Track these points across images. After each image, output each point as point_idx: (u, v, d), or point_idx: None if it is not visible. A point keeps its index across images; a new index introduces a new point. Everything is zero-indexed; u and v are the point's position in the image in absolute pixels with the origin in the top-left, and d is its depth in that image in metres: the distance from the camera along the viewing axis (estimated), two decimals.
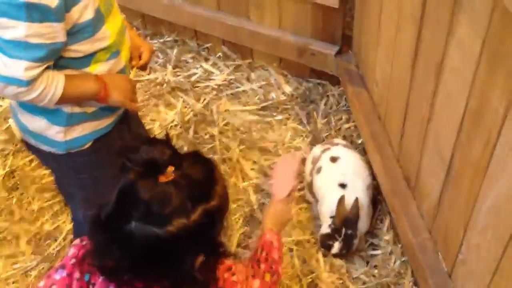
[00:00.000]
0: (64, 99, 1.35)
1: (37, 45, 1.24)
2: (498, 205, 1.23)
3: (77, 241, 1.13)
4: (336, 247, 1.85)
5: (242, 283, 1.21)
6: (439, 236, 1.62)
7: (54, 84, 1.32)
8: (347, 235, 1.83)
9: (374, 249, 1.99)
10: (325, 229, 1.88)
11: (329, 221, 1.87)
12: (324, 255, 1.94)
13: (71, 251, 1.11)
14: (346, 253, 1.89)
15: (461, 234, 1.44)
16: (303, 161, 2.09)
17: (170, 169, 0.95)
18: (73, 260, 1.09)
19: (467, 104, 1.30)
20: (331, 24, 2.26)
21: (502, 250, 1.25)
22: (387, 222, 2.01)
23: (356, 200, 1.82)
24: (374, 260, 1.95)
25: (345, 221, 1.83)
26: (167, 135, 1.03)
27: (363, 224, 1.88)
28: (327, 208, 1.89)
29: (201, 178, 0.98)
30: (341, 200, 1.84)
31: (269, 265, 1.29)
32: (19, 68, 1.24)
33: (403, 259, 1.90)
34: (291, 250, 1.98)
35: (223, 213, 1.04)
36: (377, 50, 1.90)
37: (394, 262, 1.90)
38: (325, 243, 1.88)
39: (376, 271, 1.92)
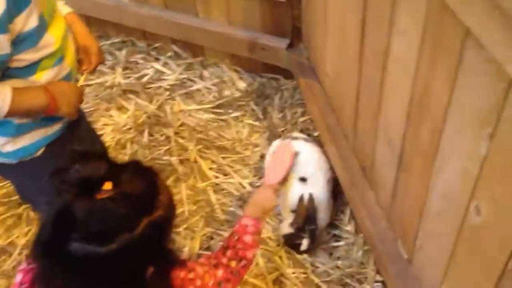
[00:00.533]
0: (11, 113, 1.31)
1: None
2: (448, 191, 1.25)
3: (23, 265, 1.09)
4: (305, 244, 1.86)
5: (202, 277, 1.19)
6: (397, 224, 1.64)
7: (1, 98, 1.28)
8: (311, 230, 1.85)
9: (336, 241, 2.00)
10: (287, 228, 1.89)
11: (291, 216, 1.87)
12: (288, 252, 1.94)
13: (18, 277, 1.07)
14: (311, 248, 1.90)
15: (417, 221, 1.45)
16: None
17: (107, 185, 0.92)
18: (23, 286, 1.05)
19: (412, 94, 1.30)
20: (280, 18, 2.25)
21: (455, 234, 1.26)
22: (348, 213, 2.02)
23: (310, 195, 1.83)
24: (337, 252, 1.96)
25: (307, 217, 1.83)
26: (102, 145, 1.00)
27: (323, 218, 1.89)
28: (288, 203, 1.89)
29: (142, 190, 0.96)
30: (301, 199, 1.84)
31: (235, 251, 1.27)
32: None
33: (365, 248, 1.91)
34: None
35: (170, 222, 1.01)
36: (326, 42, 1.89)
37: (357, 252, 1.92)
38: (292, 243, 1.89)
39: (339, 262, 1.93)
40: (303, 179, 1.90)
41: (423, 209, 1.40)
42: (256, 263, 1.93)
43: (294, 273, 1.91)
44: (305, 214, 1.83)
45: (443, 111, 1.18)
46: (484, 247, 1.16)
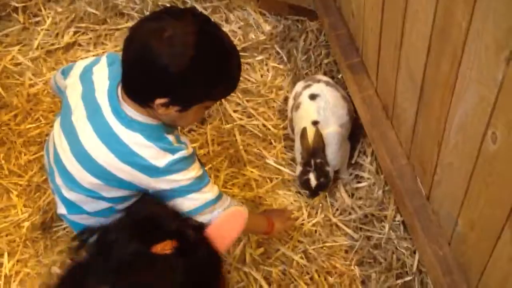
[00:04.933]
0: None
1: None
2: (465, 122, 1.23)
3: None
4: (312, 177, 1.84)
5: None
6: (416, 160, 1.63)
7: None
8: (317, 163, 1.83)
9: (358, 182, 2.01)
10: (298, 168, 1.89)
11: (300, 158, 1.88)
12: (305, 195, 1.96)
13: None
14: (326, 183, 1.87)
15: (435, 154, 1.45)
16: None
17: (167, 244, 0.84)
18: None
19: (434, 21, 1.27)
20: None
21: (471, 166, 1.26)
22: (370, 154, 2.02)
23: (317, 130, 1.82)
24: (358, 193, 1.97)
25: (312, 151, 1.83)
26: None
27: (334, 158, 1.88)
28: (299, 145, 1.89)
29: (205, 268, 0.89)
30: (303, 132, 1.83)
31: None
32: None
33: (386, 188, 1.92)
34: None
35: None
36: None
37: (377, 192, 1.92)
38: (303, 181, 1.88)
39: (360, 202, 1.94)
40: (315, 122, 1.88)
41: (441, 142, 1.39)
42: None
43: (314, 216, 1.93)
44: (309, 147, 1.82)
45: (463, 39, 1.16)
46: (498, 177, 1.15)
